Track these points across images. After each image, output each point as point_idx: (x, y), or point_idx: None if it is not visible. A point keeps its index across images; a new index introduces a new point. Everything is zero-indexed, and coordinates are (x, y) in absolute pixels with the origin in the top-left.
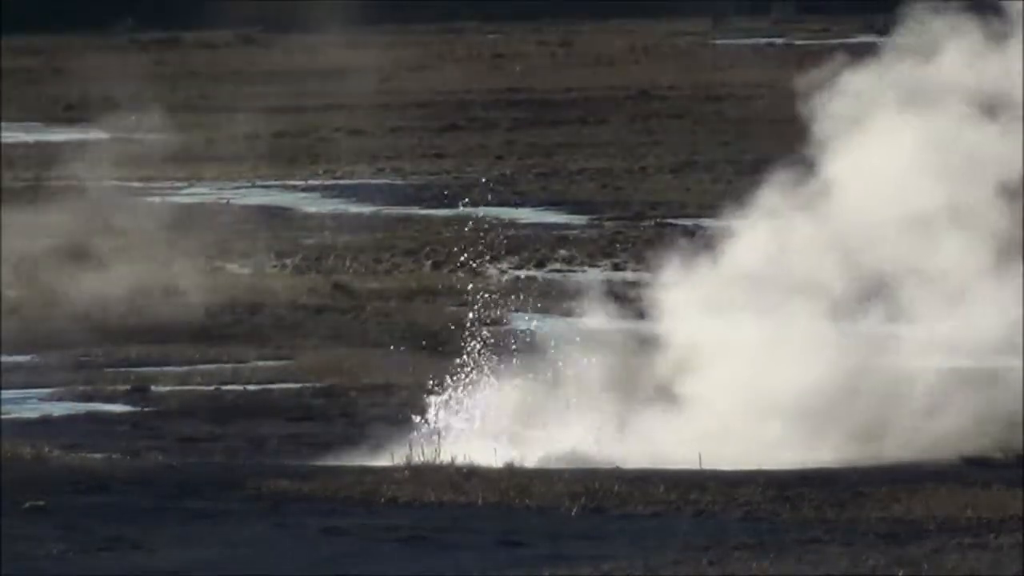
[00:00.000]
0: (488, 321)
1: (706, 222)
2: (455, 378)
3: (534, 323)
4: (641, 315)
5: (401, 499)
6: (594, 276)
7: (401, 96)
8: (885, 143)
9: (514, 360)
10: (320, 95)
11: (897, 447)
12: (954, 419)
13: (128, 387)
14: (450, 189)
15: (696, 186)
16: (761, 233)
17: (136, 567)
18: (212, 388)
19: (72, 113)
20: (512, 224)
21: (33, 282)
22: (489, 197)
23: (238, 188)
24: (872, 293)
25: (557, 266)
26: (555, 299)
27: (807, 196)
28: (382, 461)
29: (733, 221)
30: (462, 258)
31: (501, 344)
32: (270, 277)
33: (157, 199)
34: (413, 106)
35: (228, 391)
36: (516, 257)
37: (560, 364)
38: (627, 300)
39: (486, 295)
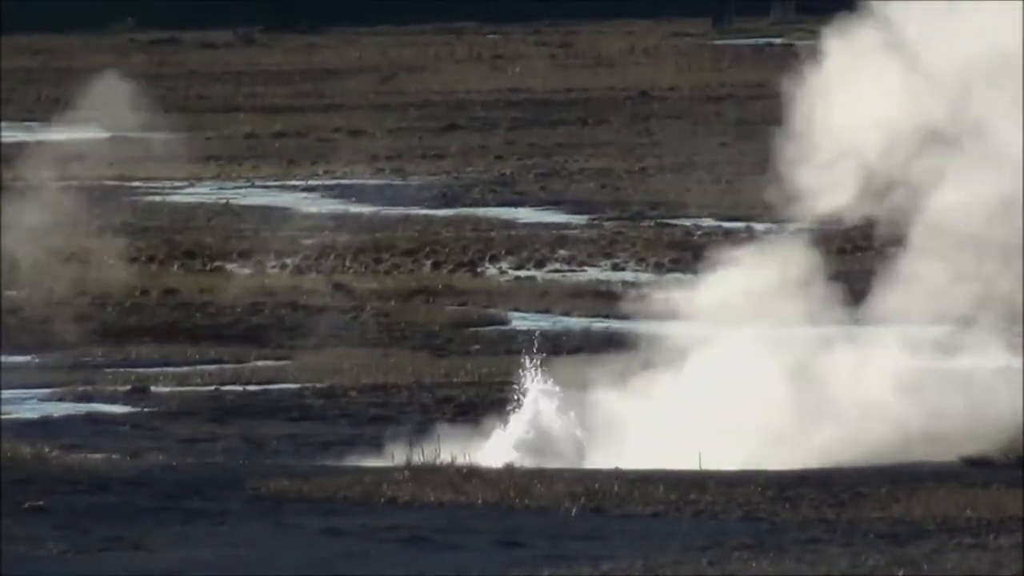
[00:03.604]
0: (488, 321)
1: (705, 222)
2: (455, 378)
3: (533, 322)
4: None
5: (401, 499)
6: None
7: (401, 96)
8: None
9: (513, 359)
10: (320, 95)
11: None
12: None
13: (128, 387)
14: (450, 189)
15: (696, 186)
16: None
17: (136, 567)
18: (212, 388)
19: (72, 113)
20: (512, 224)
21: (33, 282)
22: (489, 197)
23: (238, 188)
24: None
25: (557, 266)
26: (555, 299)
27: None
28: (382, 461)
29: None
30: (462, 258)
31: (500, 343)
32: (270, 277)
33: (157, 199)
34: (413, 106)
35: (228, 391)
36: (516, 257)
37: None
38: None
39: (486, 295)
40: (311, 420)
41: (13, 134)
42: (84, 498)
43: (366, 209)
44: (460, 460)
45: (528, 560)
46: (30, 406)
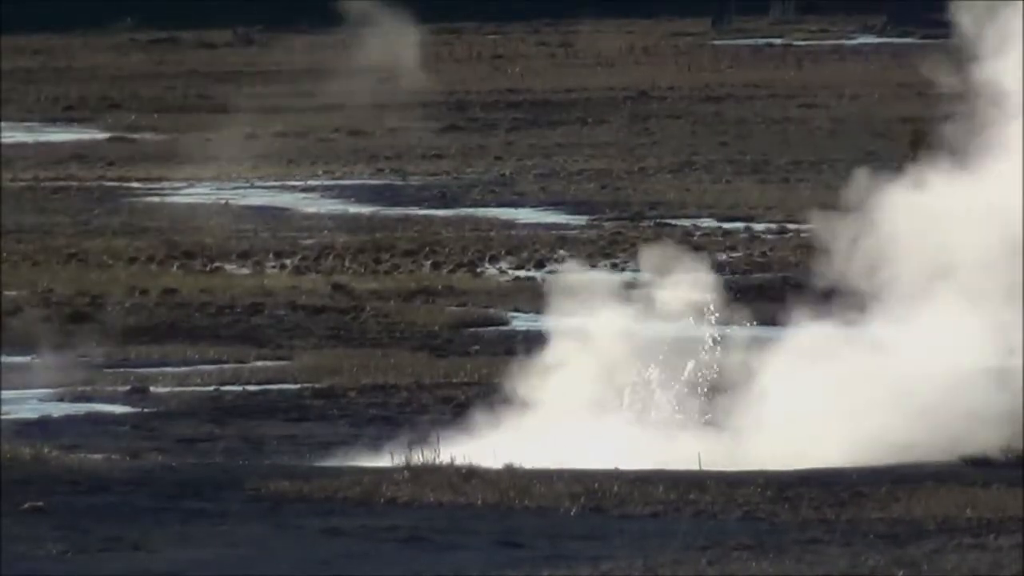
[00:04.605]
0: (487, 321)
1: (705, 222)
2: (455, 378)
3: (533, 322)
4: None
5: (400, 500)
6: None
7: (401, 96)
8: None
9: (513, 359)
10: (320, 95)
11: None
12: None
13: (127, 387)
14: (450, 189)
15: (696, 186)
16: None
17: (136, 567)
18: (212, 388)
19: (72, 113)
20: (512, 224)
21: (33, 282)
22: (489, 197)
23: (238, 188)
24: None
25: (556, 266)
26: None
27: None
28: (381, 462)
29: None
30: (462, 258)
31: (500, 343)
32: (270, 277)
33: (157, 199)
34: (413, 106)
35: (228, 391)
36: (515, 257)
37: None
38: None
39: (486, 295)
40: (310, 420)
41: (13, 134)
42: (84, 498)
43: (366, 209)
44: (459, 461)
45: (528, 560)
46: (30, 406)
